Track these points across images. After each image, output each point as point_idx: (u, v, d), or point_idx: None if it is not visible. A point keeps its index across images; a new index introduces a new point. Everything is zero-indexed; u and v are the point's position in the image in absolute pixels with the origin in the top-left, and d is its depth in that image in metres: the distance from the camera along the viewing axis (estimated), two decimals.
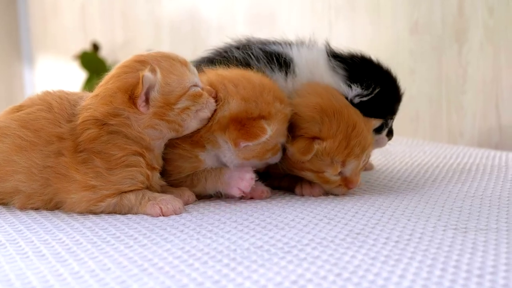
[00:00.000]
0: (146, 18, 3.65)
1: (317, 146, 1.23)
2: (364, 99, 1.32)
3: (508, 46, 1.91)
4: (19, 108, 1.25)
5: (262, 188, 1.28)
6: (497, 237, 0.93)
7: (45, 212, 1.20)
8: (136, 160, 1.16)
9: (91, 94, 1.21)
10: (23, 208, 1.22)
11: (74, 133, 1.17)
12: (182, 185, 1.26)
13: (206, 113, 1.20)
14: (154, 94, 1.15)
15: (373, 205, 1.17)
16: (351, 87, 1.32)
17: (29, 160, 1.18)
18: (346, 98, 1.31)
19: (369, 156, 1.30)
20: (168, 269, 0.85)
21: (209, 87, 1.24)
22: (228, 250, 0.92)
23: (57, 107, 1.21)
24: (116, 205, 1.17)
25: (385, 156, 1.75)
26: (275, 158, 1.27)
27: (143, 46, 3.60)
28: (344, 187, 1.27)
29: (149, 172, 1.18)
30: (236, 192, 1.23)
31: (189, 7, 3.30)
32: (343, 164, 1.24)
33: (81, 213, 1.18)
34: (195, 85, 1.20)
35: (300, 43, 1.41)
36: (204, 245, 0.95)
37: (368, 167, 1.56)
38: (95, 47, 3.90)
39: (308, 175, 1.27)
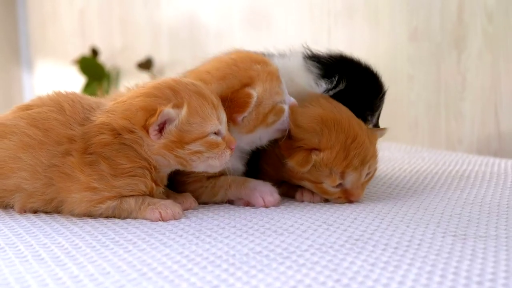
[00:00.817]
0: (144, 24, 3.65)
1: (315, 157, 1.22)
2: (330, 93, 1.33)
3: (507, 53, 1.91)
4: (27, 107, 1.25)
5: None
6: (496, 244, 0.93)
7: (44, 216, 1.20)
8: (142, 172, 1.16)
9: (115, 100, 1.21)
10: (22, 207, 1.22)
11: (86, 136, 1.17)
12: (200, 194, 1.28)
13: (216, 163, 1.18)
14: (171, 127, 1.14)
15: (372, 211, 1.17)
16: (319, 83, 1.33)
17: (34, 159, 1.18)
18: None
19: (375, 169, 1.29)
20: (167, 274, 0.85)
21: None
22: (227, 255, 0.92)
23: (69, 109, 1.21)
24: (115, 208, 1.17)
25: (384, 162, 1.75)
26: (282, 122, 1.27)
27: (142, 51, 3.61)
28: (344, 199, 1.26)
29: (153, 185, 1.18)
30: (259, 202, 1.24)
31: (188, 13, 3.30)
32: (342, 175, 1.23)
33: (80, 214, 1.18)
34: (216, 133, 1.17)
35: (282, 53, 1.42)
36: (203, 250, 0.95)
37: None
38: (94, 52, 3.90)
39: (307, 185, 1.27)
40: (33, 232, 1.10)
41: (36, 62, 4.91)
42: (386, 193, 1.35)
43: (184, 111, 1.14)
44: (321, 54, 1.39)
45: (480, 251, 0.90)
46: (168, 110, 1.12)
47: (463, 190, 1.34)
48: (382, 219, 1.11)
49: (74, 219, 1.18)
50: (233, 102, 1.21)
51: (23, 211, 1.23)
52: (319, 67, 1.34)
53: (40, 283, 0.83)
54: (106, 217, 1.18)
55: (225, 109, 1.20)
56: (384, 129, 1.34)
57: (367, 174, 1.27)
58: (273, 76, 1.25)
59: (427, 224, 1.06)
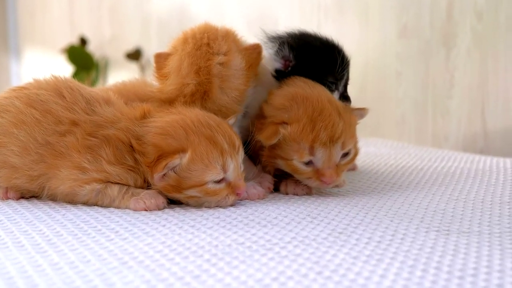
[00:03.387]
0: (134, 14, 3.64)
1: (282, 130, 1.22)
2: (291, 66, 1.35)
3: (496, 52, 1.92)
4: (21, 89, 1.24)
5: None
6: (479, 240, 0.93)
7: (26, 203, 1.20)
8: (139, 173, 1.17)
9: (134, 109, 1.21)
10: (5, 185, 1.22)
11: (96, 123, 1.17)
12: None
13: (211, 205, 1.17)
14: (170, 172, 1.13)
15: (356, 205, 1.17)
16: (276, 60, 1.35)
17: (28, 135, 1.18)
18: (278, 70, 1.35)
19: (354, 154, 1.28)
20: (148, 263, 0.84)
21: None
22: (209, 246, 0.91)
23: (69, 97, 1.20)
24: (99, 193, 1.16)
25: (370, 158, 1.75)
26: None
27: (131, 41, 3.59)
28: (316, 179, 1.25)
29: (143, 184, 1.18)
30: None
31: (178, 4, 3.29)
32: (311, 151, 1.22)
33: (64, 193, 1.18)
34: (219, 181, 1.15)
35: None
36: (185, 240, 0.94)
37: (352, 168, 1.56)
38: (83, 41, 3.88)
39: (280, 163, 1.27)
40: (15, 219, 1.09)
41: (24, 51, 4.88)
42: (371, 188, 1.35)
43: (186, 157, 1.12)
44: (280, 33, 1.40)
45: (463, 247, 0.90)
46: (173, 162, 1.12)
47: (448, 186, 1.34)
48: (366, 213, 1.10)
49: (57, 207, 1.17)
50: None
51: (6, 196, 1.23)
52: (276, 45, 1.36)
53: (19, 270, 0.83)
54: (88, 202, 1.18)
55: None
56: (364, 109, 1.32)
57: (344, 156, 1.25)
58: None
59: (411, 219, 1.06)
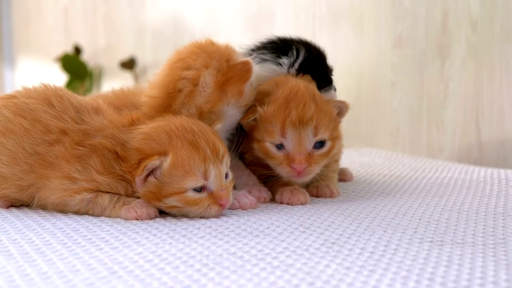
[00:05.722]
0: (129, 23, 3.63)
1: (259, 109, 1.26)
2: (296, 65, 1.38)
3: (490, 62, 1.91)
4: (10, 98, 1.23)
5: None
6: (473, 251, 0.93)
7: (16, 212, 1.19)
8: (127, 182, 1.15)
9: (123, 118, 1.20)
10: None
11: (84, 132, 1.16)
12: None
13: (194, 216, 1.15)
14: (151, 178, 1.12)
15: (349, 216, 1.16)
16: (280, 62, 1.38)
17: (16, 145, 1.16)
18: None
19: (330, 147, 1.29)
20: (138, 273, 0.83)
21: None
22: (200, 256, 0.90)
23: (58, 106, 1.19)
24: (90, 202, 1.15)
25: (364, 167, 1.74)
26: None
27: (125, 50, 3.58)
28: (287, 165, 1.25)
29: (134, 192, 1.16)
30: (234, 205, 1.22)
31: (173, 13, 3.28)
32: (282, 132, 1.24)
33: (54, 203, 1.16)
34: (200, 190, 1.12)
35: None
36: (176, 249, 0.93)
37: (348, 178, 1.55)
38: (77, 50, 3.87)
39: (255, 148, 1.29)
40: (4, 227, 1.08)
41: (18, 59, 4.86)
42: (364, 198, 1.35)
43: (167, 161, 1.10)
44: (263, 41, 1.44)
45: (457, 258, 0.89)
46: (153, 163, 1.10)
47: (442, 196, 1.34)
48: (360, 223, 1.10)
49: (47, 215, 1.16)
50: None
51: None
52: (272, 50, 1.39)
53: (7, 279, 0.82)
54: (79, 212, 1.16)
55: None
56: (343, 102, 1.33)
57: (319, 147, 1.27)
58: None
59: (405, 229, 1.05)
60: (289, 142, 1.24)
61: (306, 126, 1.24)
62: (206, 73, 1.25)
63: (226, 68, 1.26)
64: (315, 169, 1.28)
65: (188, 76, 1.24)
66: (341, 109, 1.33)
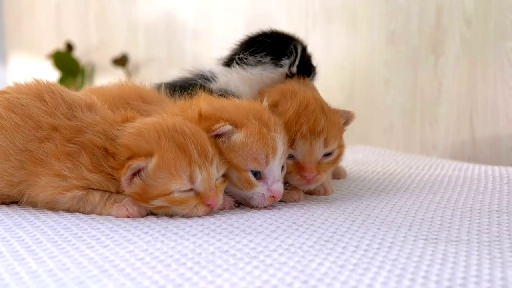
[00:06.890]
0: (121, 20, 3.61)
1: None
2: (296, 62, 1.40)
3: (484, 59, 1.91)
4: (1, 93, 1.21)
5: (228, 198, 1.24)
6: (468, 248, 0.92)
7: (6, 209, 1.17)
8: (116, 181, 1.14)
9: (117, 115, 1.18)
10: None
11: (75, 129, 1.14)
12: None
13: (184, 212, 1.12)
14: (136, 179, 1.10)
15: (343, 213, 1.15)
16: (281, 64, 1.39)
17: (7, 140, 1.15)
18: None
19: (338, 155, 1.30)
20: (129, 271, 0.82)
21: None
22: (192, 254, 0.89)
23: (50, 101, 1.17)
24: (81, 199, 1.13)
25: (357, 164, 1.73)
26: None
27: (117, 47, 3.57)
28: (297, 173, 1.25)
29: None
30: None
31: (165, 10, 3.27)
32: (292, 144, 1.24)
33: (44, 201, 1.15)
34: (187, 190, 1.10)
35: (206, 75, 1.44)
36: (168, 247, 0.92)
37: (341, 176, 1.55)
38: (69, 47, 3.85)
39: None
40: None
41: (10, 56, 4.84)
42: (358, 195, 1.34)
43: (151, 164, 1.08)
44: (253, 38, 1.45)
45: (451, 255, 0.88)
46: (138, 164, 1.08)
47: (436, 194, 1.33)
48: (353, 221, 1.09)
49: (37, 213, 1.15)
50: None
51: None
52: (269, 51, 1.40)
53: None
54: (69, 210, 1.15)
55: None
56: (349, 111, 1.35)
57: (327, 155, 1.27)
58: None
59: (399, 227, 1.05)
60: (299, 152, 1.25)
61: (318, 137, 1.25)
62: None
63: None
64: (323, 177, 1.29)
65: None
66: (348, 118, 1.35)
